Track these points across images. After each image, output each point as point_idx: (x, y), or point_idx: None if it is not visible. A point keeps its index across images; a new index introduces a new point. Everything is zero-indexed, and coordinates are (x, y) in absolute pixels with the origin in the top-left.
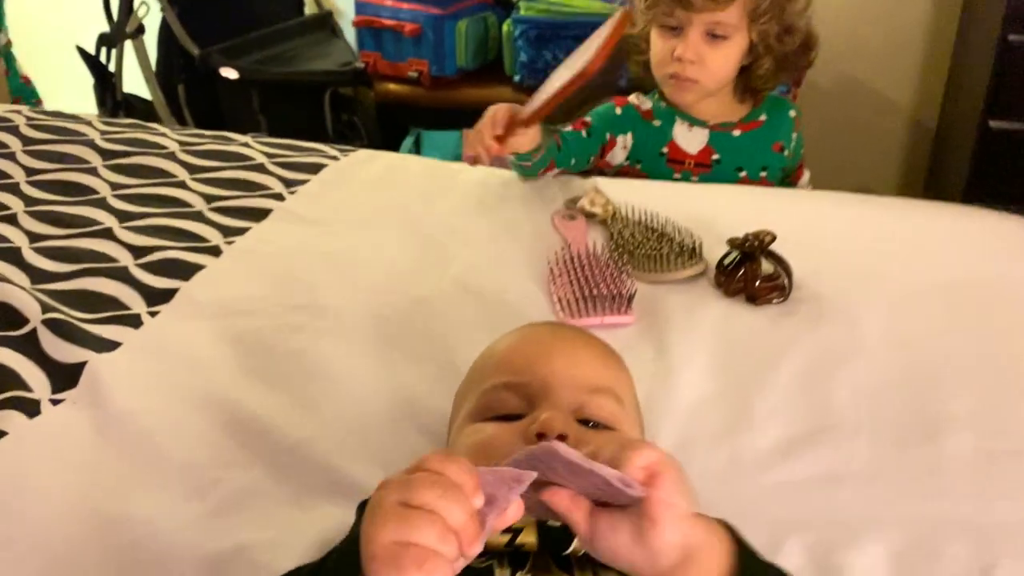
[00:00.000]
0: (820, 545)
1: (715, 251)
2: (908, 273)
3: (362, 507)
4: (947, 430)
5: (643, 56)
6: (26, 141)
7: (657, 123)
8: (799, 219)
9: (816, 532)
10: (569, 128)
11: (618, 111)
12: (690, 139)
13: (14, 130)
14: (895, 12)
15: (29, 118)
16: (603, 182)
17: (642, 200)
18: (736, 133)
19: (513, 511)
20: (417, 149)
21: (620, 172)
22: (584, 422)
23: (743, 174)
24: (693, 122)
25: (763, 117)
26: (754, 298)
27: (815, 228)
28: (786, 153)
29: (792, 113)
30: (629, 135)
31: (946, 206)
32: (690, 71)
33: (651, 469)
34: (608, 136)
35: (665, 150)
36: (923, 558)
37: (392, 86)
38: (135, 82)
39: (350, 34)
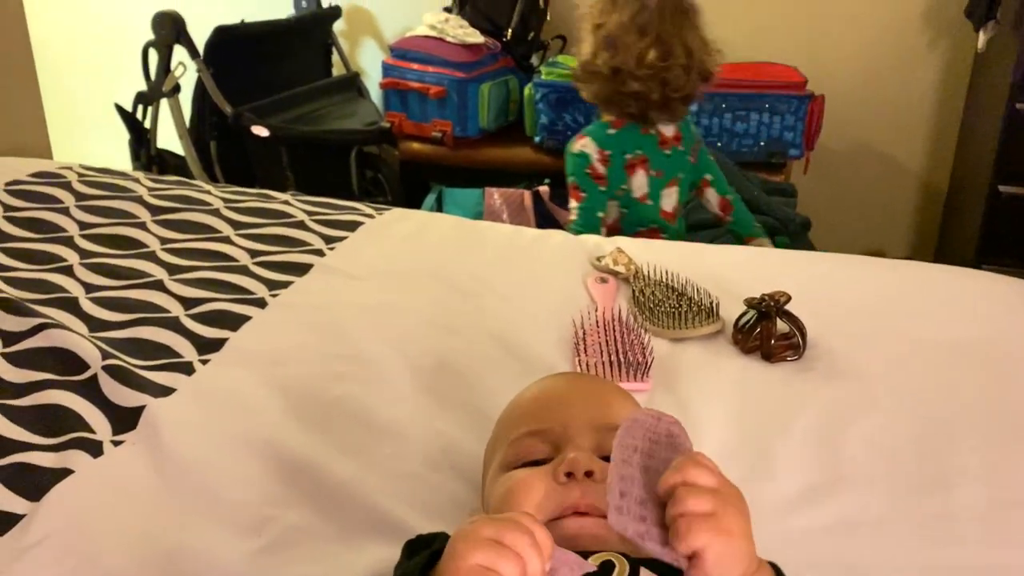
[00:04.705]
0: None
1: (732, 310)
2: (917, 332)
3: (408, 546)
4: (957, 481)
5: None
6: (79, 197)
7: None
8: (812, 280)
9: None
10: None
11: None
12: None
13: (67, 186)
14: (906, 77)
15: (80, 174)
16: (625, 243)
17: (662, 260)
18: None
19: None
20: (439, 206)
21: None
22: (607, 459)
23: None
24: None
25: None
26: (770, 356)
27: (828, 289)
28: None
29: None
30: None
31: (953, 269)
32: None
33: (696, 553)
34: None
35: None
36: None
37: (416, 145)
38: (169, 138)
39: (376, 95)
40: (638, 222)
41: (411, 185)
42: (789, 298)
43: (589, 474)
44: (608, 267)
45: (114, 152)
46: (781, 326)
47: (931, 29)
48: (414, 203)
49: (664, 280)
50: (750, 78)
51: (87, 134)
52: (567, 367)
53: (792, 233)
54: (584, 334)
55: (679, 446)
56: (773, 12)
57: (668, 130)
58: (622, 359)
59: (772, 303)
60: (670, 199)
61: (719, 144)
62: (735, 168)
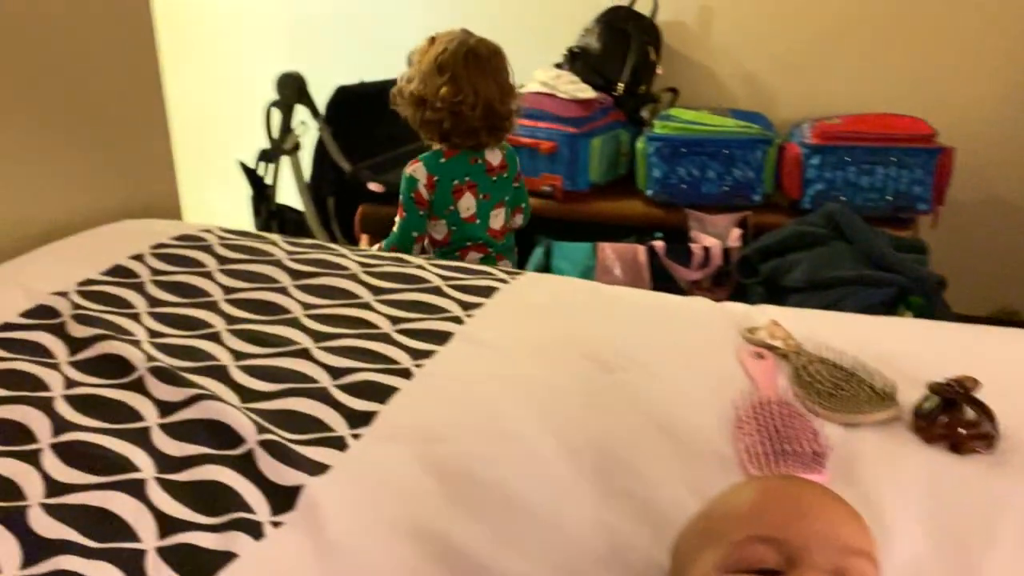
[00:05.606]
0: None
1: (908, 393)
2: None
3: None
4: None
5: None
6: (221, 260)
7: None
8: (993, 359)
9: None
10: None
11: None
12: None
13: (209, 249)
14: None
15: (221, 237)
16: (778, 313)
17: (820, 332)
18: None
19: None
20: (547, 260)
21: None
22: None
23: None
24: None
25: None
26: (958, 447)
27: (1013, 370)
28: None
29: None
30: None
31: None
32: None
33: None
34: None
35: None
36: None
37: None
38: (288, 194)
39: None
40: (466, 238)
41: (518, 239)
42: (978, 384)
43: None
44: (764, 341)
45: (235, 206)
46: (969, 413)
47: None
48: (521, 257)
49: (830, 358)
50: (875, 130)
51: (210, 189)
52: (733, 455)
53: (927, 293)
54: (745, 419)
55: None
56: (898, 62)
57: (494, 159)
58: (793, 447)
59: (960, 389)
60: (498, 219)
61: (843, 198)
62: (863, 224)
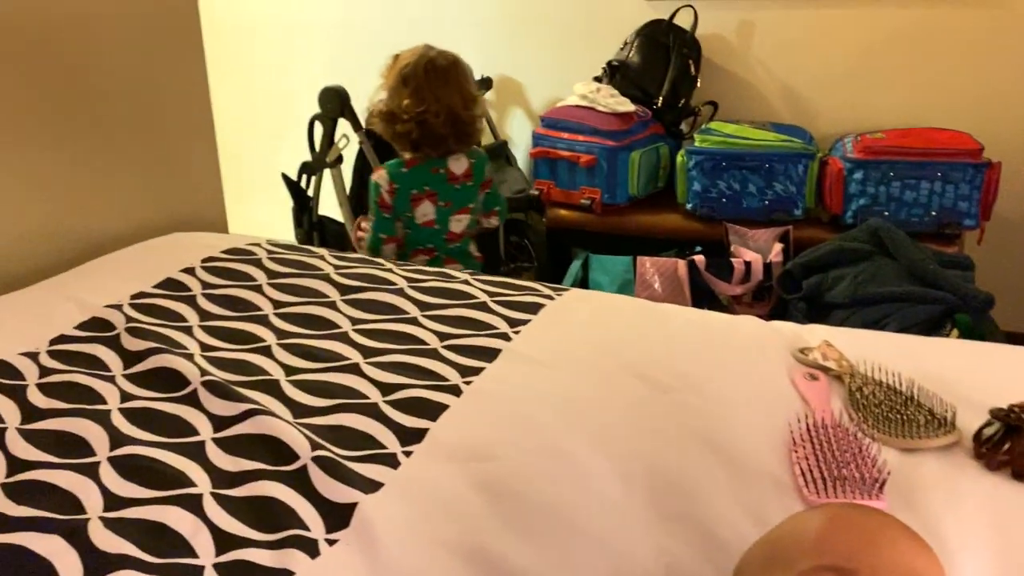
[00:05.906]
0: None
1: (965, 417)
2: None
3: None
4: None
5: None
6: (270, 274)
7: None
8: None
9: None
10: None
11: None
12: None
13: (258, 263)
14: None
15: (269, 251)
16: (831, 334)
17: (874, 355)
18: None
19: None
20: (584, 272)
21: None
22: None
23: None
24: None
25: None
26: (1022, 474)
27: None
28: None
29: None
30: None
31: None
32: None
33: None
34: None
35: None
36: None
37: (563, 212)
38: (328, 206)
39: (523, 162)
40: (418, 241)
41: (556, 251)
42: None
43: None
44: (817, 362)
45: (276, 218)
46: None
47: None
48: (560, 269)
49: (886, 381)
50: (920, 145)
51: (252, 200)
52: (788, 478)
53: (974, 311)
54: (800, 442)
55: None
56: (943, 76)
57: (458, 168)
58: (850, 472)
59: (1023, 415)
60: (460, 223)
61: (886, 213)
62: (908, 240)
